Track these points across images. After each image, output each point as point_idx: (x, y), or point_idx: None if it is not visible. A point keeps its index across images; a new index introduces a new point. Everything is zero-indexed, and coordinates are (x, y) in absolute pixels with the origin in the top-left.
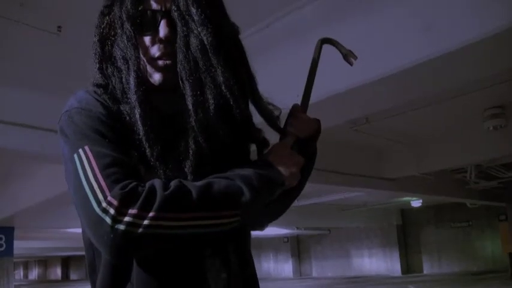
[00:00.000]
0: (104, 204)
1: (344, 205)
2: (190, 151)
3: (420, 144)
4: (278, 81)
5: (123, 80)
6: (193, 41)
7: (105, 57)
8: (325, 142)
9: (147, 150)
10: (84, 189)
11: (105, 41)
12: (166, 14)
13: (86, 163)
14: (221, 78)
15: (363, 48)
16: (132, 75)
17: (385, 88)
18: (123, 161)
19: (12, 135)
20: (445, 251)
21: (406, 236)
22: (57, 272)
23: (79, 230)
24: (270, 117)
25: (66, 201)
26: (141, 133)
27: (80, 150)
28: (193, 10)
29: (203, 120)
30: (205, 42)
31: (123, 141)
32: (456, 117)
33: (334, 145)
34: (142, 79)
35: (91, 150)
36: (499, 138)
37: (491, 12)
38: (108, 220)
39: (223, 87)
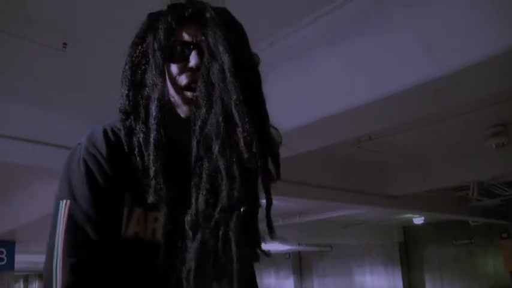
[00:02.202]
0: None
1: (346, 222)
2: (197, 199)
3: (423, 162)
4: (279, 101)
5: (149, 106)
6: (215, 67)
7: (135, 85)
8: (328, 159)
9: (152, 182)
10: (51, 257)
11: (136, 69)
12: (197, 46)
13: (59, 224)
14: (233, 97)
15: (366, 67)
16: (155, 102)
17: (388, 107)
18: (90, 240)
19: (15, 149)
20: (447, 268)
21: (408, 253)
22: None
23: None
24: (272, 148)
25: None
26: (151, 157)
27: (62, 202)
28: (220, 41)
29: (206, 134)
30: (225, 68)
31: (115, 189)
32: (459, 135)
33: (337, 162)
34: (164, 107)
35: (69, 209)
36: (502, 156)
37: (494, 33)
38: None
39: (232, 106)
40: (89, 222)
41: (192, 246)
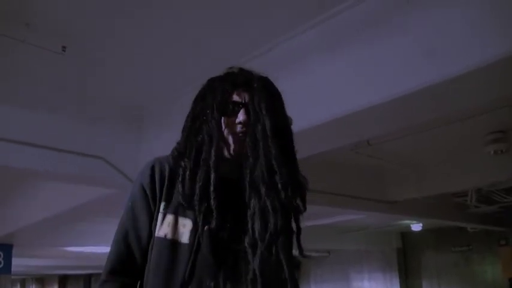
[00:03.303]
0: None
1: (344, 227)
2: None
3: (421, 168)
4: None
5: (204, 149)
6: (259, 127)
7: (192, 132)
8: (326, 164)
9: (213, 204)
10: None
11: (196, 119)
12: (245, 105)
13: (122, 221)
14: (273, 152)
15: (365, 73)
16: (214, 147)
17: (387, 112)
18: (125, 252)
19: (13, 153)
20: (445, 275)
21: (406, 259)
22: None
23: (77, 249)
24: (301, 190)
25: (66, 219)
26: (211, 190)
27: (125, 210)
28: (263, 105)
29: (255, 178)
30: (267, 128)
31: (151, 202)
32: (458, 141)
33: (335, 167)
34: (220, 151)
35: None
36: (501, 163)
37: (493, 39)
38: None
39: (272, 159)
40: (123, 232)
41: (255, 259)
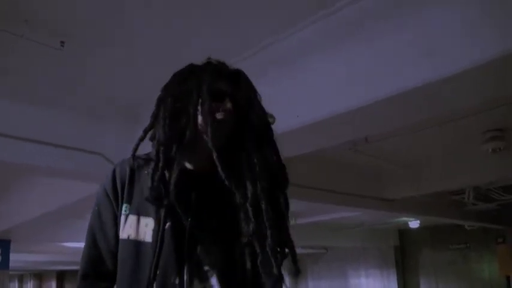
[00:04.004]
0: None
1: (341, 224)
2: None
3: (419, 166)
4: (276, 102)
5: (188, 132)
6: (246, 118)
7: (174, 115)
8: (323, 161)
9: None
10: None
11: (178, 102)
12: (230, 95)
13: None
14: (261, 144)
15: (362, 71)
16: (192, 130)
17: (384, 110)
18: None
19: (11, 148)
20: (443, 272)
21: (404, 257)
22: (52, 286)
23: (75, 245)
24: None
25: (64, 215)
26: (171, 185)
27: (92, 215)
28: (249, 97)
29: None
30: (254, 121)
31: (114, 205)
32: (455, 139)
33: (332, 164)
34: (199, 133)
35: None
36: (498, 161)
37: (490, 38)
38: None
39: (259, 151)
40: (92, 236)
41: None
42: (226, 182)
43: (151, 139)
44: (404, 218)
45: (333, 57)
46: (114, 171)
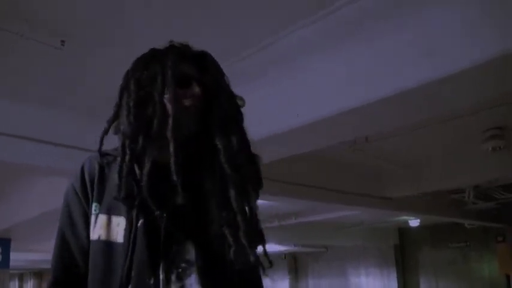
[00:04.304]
0: None
1: (341, 223)
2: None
3: (419, 165)
4: (276, 101)
5: (156, 122)
6: (217, 104)
7: (139, 103)
8: (323, 160)
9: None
10: None
11: (141, 90)
12: (197, 79)
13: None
14: (234, 131)
15: (363, 70)
16: (172, 118)
17: (384, 110)
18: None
19: (11, 147)
20: (443, 271)
21: (404, 255)
22: None
23: None
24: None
25: None
26: (144, 181)
27: (61, 215)
28: (219, 81)
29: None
30: (225, 107)
31: (84, 204)
32: (455, 139)
33: (332, 164)
34: (164, 130)
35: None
36: (498, 160)
37: (490, 38)
38: None
39: (235, 139)
40: (62, 237)
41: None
42: (174, 177)
43: (116, 132)
44: (405, 217)
45: (333, 56)
46: (82, 168)
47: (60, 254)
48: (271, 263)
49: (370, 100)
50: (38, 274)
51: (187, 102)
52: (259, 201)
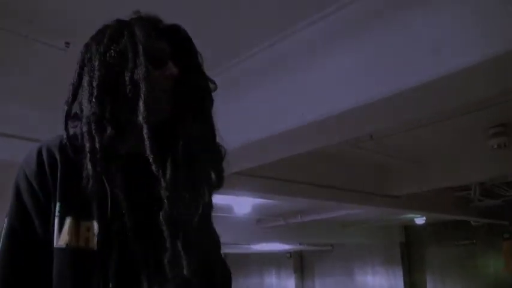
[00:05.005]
0: None
1: (347, 221)
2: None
3: (424, 162)
4: (283, 100)
5: (126, 107)
6: (193, 87)
7: (106, 82)
8: (328, 159)
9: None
10: None
11: (111, 69)
12: (172, 55)
13: (1, 244)
14: (206, 120)
15: (369, 67)
16: (143, 102)
17: (388, 108)
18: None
19: (16, 149)
20: (449, 269)
21: (410, 253)
22: None
23: None
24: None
25: None
26: (147, 148)
27: (6, 220)
28: (194, 59)
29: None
30: (201, 90)
31: (44, 203)
32: (460, 135)
33: (338, 162)
34: (150, 108)
35: (6, 230)
36: (504, 157)
37: (496, 34)
38: None
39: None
40: (14, 238)
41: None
42: (154, 168)
43: (73, 117)
44: (411, 215)
45: (336, 55)
46: (39, 156)
47: (11, 261)
48: (227, 273)
49: (374, 98)
50: None
51: (163, 84)
52: (264, 201)
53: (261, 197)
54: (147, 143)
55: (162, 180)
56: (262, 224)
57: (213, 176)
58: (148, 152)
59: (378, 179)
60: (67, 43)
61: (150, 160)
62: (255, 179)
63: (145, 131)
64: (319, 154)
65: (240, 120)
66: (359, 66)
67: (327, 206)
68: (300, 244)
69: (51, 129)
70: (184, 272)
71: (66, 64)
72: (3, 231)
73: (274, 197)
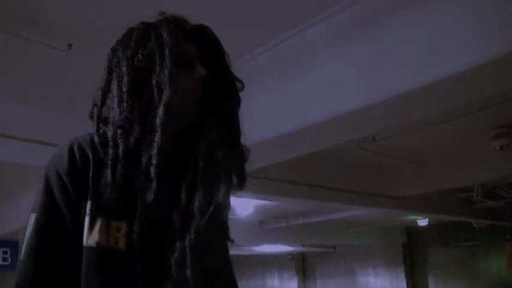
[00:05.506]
0: None
1: (349, 223)
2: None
3: (426, 163)
4: (285, 102)
5: (153, 111)
6: (224, 89)
7: (137, 88)
8: (331, 160)
9: (152, 171)
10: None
11: (140, 72)
12: (200, 58)
13: (28, 239)
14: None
15: (371, 68)
16: (162, 107)
17: (391, 109)
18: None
19: (18, 150)
20: (451, 270)
21: (412, 255)
22: None
23: None
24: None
25: None
26: (153, 164)
27: (32, 215)
28: (224, 61)
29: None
30: (232, 93)
31: (75, 201)
32: (463, 136)
33: (341, 163)
34: (170, 112)
35: (34, 226)
36: (506, 158)
37: (497, 35)
38: None
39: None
40: (44, 233)
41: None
42: (152, 174)
43: (102, 120)
44: (413, 216)
45: (339, 56)
46: (72, 152)
47: (39, 257)
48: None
49: (378, 99)
50: None
51: (191, 86)
52: (266, 202)
53: (263, 199)
54: (155, 145)
55: (182, 183)
56: (265, 226)
57: (234, 177)
58: (154, 152)
59: (380, 181)
60: (70, 45)
61: (153, 162)
62: (257, 181)
63: (157, 135)
64: (321, 156)
65: (240, 120)
66: (357, 69)
67: (329, 207)
68: (302, 246)
69: (55, 131)
70: (187, 273)
71: (69, 65)
72: (32, 226)
73: (276, 199)
